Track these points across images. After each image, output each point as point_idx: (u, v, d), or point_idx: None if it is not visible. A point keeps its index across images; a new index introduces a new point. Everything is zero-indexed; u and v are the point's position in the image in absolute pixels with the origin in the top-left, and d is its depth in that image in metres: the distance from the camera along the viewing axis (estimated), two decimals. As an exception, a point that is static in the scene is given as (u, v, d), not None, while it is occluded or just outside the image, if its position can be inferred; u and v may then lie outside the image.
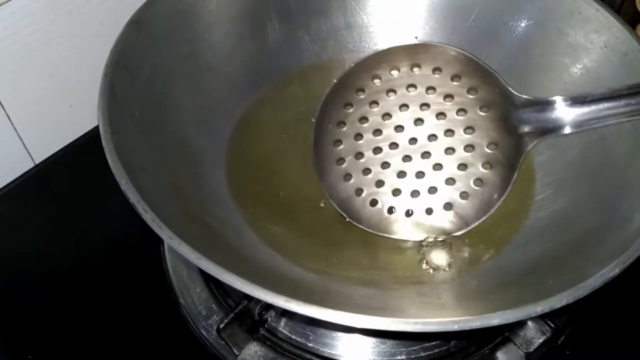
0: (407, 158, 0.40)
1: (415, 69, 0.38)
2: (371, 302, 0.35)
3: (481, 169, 0.39)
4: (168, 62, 0.40)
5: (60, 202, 0.51)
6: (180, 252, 0.28)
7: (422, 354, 0.39)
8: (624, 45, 0.38)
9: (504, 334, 0.39)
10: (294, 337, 0.39)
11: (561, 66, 0.41)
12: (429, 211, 0.40)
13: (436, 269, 0.37)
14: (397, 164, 0.40)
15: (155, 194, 0.33)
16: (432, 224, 0.39)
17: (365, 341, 0.39)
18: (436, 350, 0.39)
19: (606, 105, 0.34)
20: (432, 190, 0.40)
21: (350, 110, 0.40)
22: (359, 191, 0.40)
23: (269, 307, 0.39)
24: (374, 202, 0.40)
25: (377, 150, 0.40)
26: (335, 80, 0.40)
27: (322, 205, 0.41)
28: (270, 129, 0.45)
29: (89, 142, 0.53)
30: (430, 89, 0.39)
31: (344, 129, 0.40)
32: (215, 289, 0.41)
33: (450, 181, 0.39)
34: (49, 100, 0.50)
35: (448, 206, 0.39)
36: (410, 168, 0.40)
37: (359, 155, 0.40)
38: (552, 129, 0.36)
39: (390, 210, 0.40)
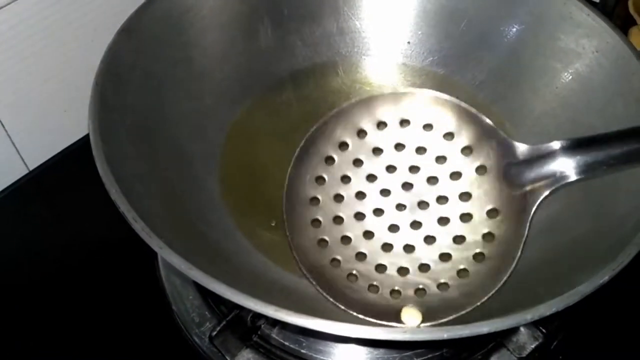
0: (393, 228, 0.35)
1: (405, 125, 0.35)
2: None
3: (482, 241, 0.33)
4: (160, 69, 0.40)
5: (54, 208, 0.51)
6: (170, 261, 0.28)
7: (415, 360, 0.39)
8: (615, 50, 0.38)
9: (497, 339, 0.39)
10: (287, 343, 0.39)
11: (553, 71, 0.41)
12: (421, 292, 0.33)
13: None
14: (382, 234, 0.35)
15: (146, 202, 0.33)
16: (424, 306, 0.33)
17: (358, 347, 0.39)
18: (429, 356, 0.39)
19: (615, 148, 0.31)
20: (424, 268, 0.34)
21: (332, 166, 0.36)
22: (335, 262, 0.34)
23: (261, 314, 0.39)
24: (352, 277, 0.34)
25: (360, 216, 0.35)
26: (314, 127, 0.36)
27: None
28: (264, 134, 0.45)
29: (83, 147, 0.52)
30: (421, 149, 0.35)
31: (323, 185, 0.36)
32: (208, 296, 0.41)
33: (446, 257, 0.34)
34: (43, 106, 0.50)
35: (444, 286, 0.33)
36: (398, 240, 0.35)
37: (338, 219, 0.35)
38: (559, 179, 0.32)
39: (372, 288, 0.34)
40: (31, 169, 0.52)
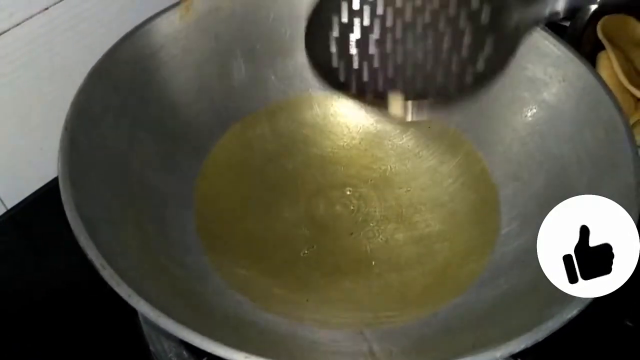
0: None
1: None
2: (340, 346, 0.35)
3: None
4: (132, 109, 0.40)
5: (33, 247, 0.50)
6: (138, 309, 0.28)
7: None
8: (581, 79, 0.39)
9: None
10: (267, 381, 0.39)
11: (521, 100, 0.42)
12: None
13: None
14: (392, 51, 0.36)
15: (117, 246, 0.33)
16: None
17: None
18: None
19: None
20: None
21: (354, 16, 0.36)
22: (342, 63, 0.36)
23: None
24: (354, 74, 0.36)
25: (373, 47, 0.36)
26: None
27: (303, 254, 0.41)
28: (239, 168, 0.45)
29: (61, 185, 0.53)
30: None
31: (343, 24, 0.36)
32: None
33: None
34: (20, 144, 0.50)
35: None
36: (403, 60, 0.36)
37: (352, 43, 0.36)
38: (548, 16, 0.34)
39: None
40: (9, 207, 0.52)
